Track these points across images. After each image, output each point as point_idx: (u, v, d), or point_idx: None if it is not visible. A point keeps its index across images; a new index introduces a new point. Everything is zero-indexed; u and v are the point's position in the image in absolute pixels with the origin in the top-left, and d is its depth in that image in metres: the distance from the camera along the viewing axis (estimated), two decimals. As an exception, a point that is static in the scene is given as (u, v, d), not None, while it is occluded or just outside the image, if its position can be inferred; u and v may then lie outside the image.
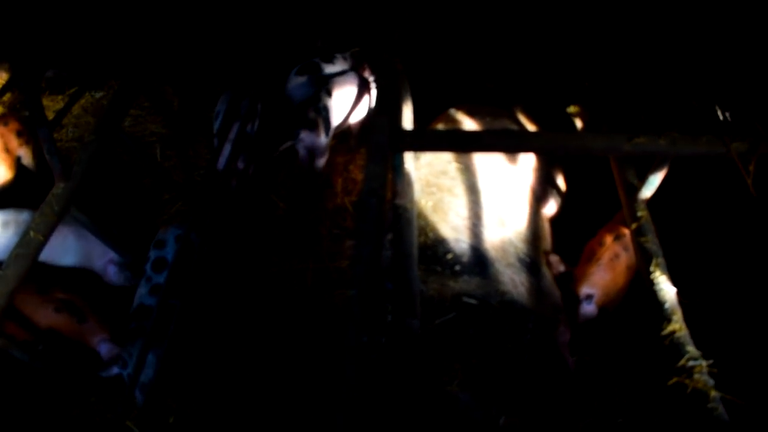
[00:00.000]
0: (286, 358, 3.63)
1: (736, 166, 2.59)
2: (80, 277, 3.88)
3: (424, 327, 2.89)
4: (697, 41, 3.26)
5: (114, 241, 3.84)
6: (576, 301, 3.34)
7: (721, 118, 2.87)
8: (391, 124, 2.74)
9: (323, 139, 4.36)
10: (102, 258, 3.84)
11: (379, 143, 2.63)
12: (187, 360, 3.64)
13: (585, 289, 3.37)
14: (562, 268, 3.58)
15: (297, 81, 4.66)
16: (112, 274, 3.85)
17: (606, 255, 3.44)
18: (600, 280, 3.38)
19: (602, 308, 3.44)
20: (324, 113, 4.36)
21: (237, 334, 3.76)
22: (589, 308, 3.35)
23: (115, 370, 3.38)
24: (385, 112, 2.75)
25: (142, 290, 3.56)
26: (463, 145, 2.88)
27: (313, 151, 4.43)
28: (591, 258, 3.45)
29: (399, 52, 3.97)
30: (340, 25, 5.24)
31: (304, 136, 4.32)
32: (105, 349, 3.48)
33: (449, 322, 2.98)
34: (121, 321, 3.54)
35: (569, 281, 3.46)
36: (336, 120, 4.48)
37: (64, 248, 3.77)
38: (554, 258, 3.67)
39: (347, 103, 4.56)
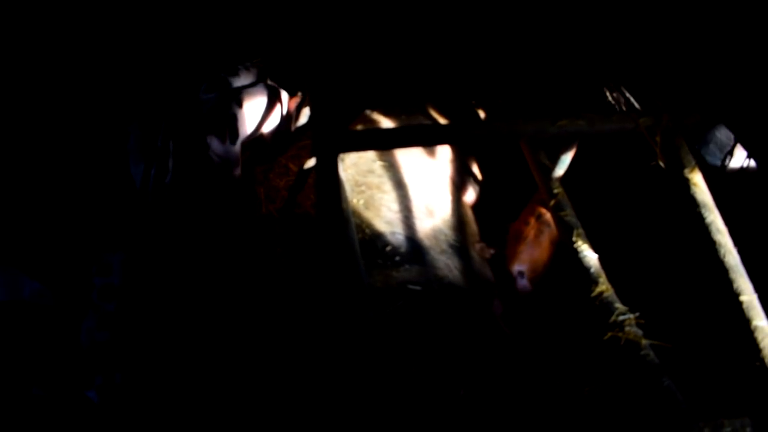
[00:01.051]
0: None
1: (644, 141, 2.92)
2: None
3: (378, 317, 3.02)
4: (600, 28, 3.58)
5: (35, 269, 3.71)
6: (510, 278, 3.61)
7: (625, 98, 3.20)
8: (333, 128, 2.86)
9: (230, 146, 4.39)
10: (28, 286, 3.69)
11: (325, 147, 2.74)
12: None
13: (516, 267, 3.64)
14: (490, 252, 3.83)
15: (206, 98, 4.66)
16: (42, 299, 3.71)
17: (531, 233, 3.73)
18: (528, 257, 3.67)
19: (533, 280, 3.72)
20: (231, 121, 4.39)
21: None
22: (523, 283, 3.62)
23: None
24: (325, 117, 2.86)
25: (90, 323, 3.44)
26: (403, 141, 3.05)
27: (225, 160, 4.44)
28: (518, 238, 3.73)
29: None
30: (242, 33, 5.26)
31: (211, 142, 4.34)
32: None
33: (399, 309, 3.13)
34: (74, 360, 3.41)
35: (501, 261, 3.72)
36: (247, 129, 4.51)
37: None
38: (480, 245, 3.90)
39: (258, 113, 4.60)
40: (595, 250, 3.33)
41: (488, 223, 4.17)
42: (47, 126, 4.68)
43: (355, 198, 3.67)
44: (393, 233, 3.52)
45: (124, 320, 3.38)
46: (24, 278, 3.69)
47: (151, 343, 3.65)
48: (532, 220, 3.85)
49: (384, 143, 3.16)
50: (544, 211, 3.85)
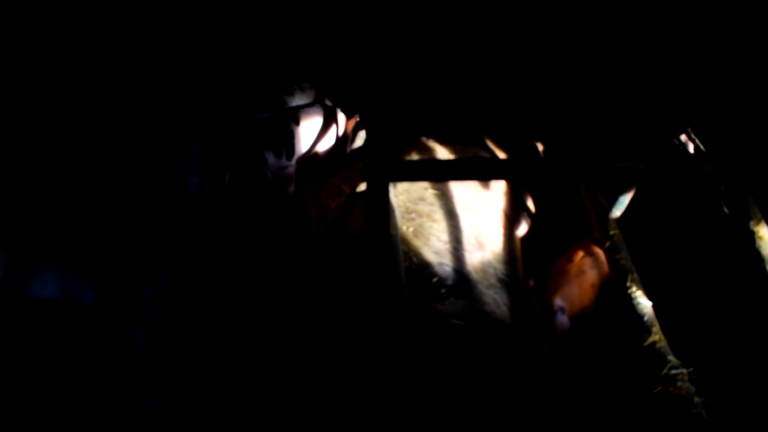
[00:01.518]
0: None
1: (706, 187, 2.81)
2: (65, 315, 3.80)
3: (417, 349, 2.96)
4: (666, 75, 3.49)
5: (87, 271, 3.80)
6: (551, 313, 3.51)
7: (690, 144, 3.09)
8: (385, 156, 2.85)
9: (286, 162, 4.41)
10: (78, 287, 3.78)
11: (376, 175, 2.72)
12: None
13: (557, 302, 3.54)
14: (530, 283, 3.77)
15: (261, 117, 4.71)
16: (89, 301, 3.80)
17: (575, 270, 3.64)
18: (569, 294, 3.57)
19: (572, 318, 3.61)
20: (288, 137, 4.42)
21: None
22: (562, 319, 3.52)
23: None
24: (378, 144, 2.85)
25: (141, 335, 3.49)
26: (454, 174, 3.01)
27: (279, 176, 4.47)
28: (561, 273, 3.64)
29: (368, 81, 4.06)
30: (302, 54, 5.32)
31: (267, 156, 4.37)
32: None
33: (441, 343, 3.07)
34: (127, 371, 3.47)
35: (543, 295, 3.63)
36: (302, 146, 4.53)
37: (43, 283, 3.69)
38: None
39: (314, 132, 4.62)
40: (650, 298, 3.22)
41: (536, 256, 4.08)
42: (105, 139, 4.84)
43: (404, 225, 3.64)
44: (441, 264, 3.46)
45: (167, 331, 3.41)
46: (76, 279, 3.79)
47: (193, 353, 3.68)
48: (578, 258, 3.77)
49: (435, 175, 3.12)
50: (595, 249, 3.75)
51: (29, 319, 3.54)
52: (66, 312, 3.80)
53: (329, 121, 4.72)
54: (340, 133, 4.83)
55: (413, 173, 3.05)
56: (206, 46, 5.12)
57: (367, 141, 3.06)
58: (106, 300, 3.80)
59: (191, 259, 3.94)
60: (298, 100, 4.85)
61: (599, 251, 3.74)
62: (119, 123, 5.01)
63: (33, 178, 3.92)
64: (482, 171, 2.95)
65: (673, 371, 2.89)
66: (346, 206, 4.44)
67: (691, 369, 2.90)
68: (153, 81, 5.13)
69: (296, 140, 4.40)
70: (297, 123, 4.47)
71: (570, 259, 3.78)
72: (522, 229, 4.09)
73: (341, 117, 4.84)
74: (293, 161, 4.42)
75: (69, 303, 3.82)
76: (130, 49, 4.93)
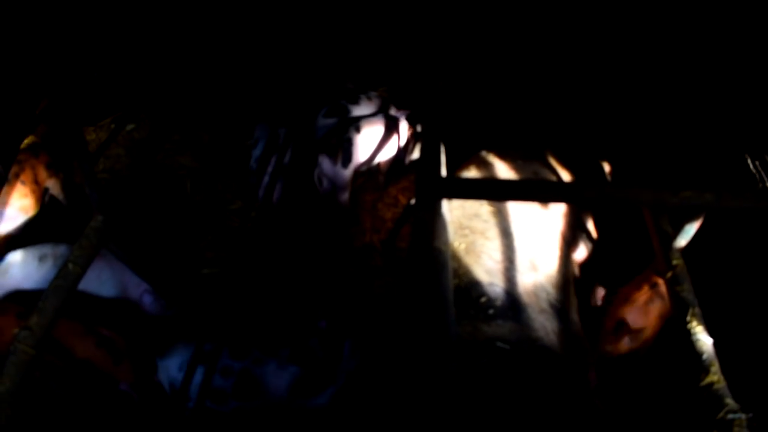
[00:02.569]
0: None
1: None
2: (123, 313, 3.91)
3: (458, 370, 2.88)
4: (736, 92, 3.30)
5: (147, 272, 3.88)
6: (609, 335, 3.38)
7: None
8: (438, 173, 2.79)
9: (341, 169, 4.41)
10: (137, 288, 3.87)
11: (428, 192, 2.67)
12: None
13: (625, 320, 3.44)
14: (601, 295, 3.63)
15: (324, 123, 4.75)
16: (148, 303, 3.88)
17: (642, 299, 3.47)
18: (634, 320, 3.41)
19: (633, 352, 3.45)
20: (346, 144, 4.42)
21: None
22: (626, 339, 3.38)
23: None
24: (431, 160, 2.79)
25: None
26: (509, 195, 2.91)
27: (334, 183, 4.48)
28: (626, 301, 3.49)
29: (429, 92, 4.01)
30: (371, 62, 5.32)
31: (322, 161, 4.39)
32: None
33: (483, 367, 2.97)
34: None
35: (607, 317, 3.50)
36: (360, 155, 4.53)
37: (101, 280, 3.80)
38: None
39: (374, 141, 4.62)
40: (712, 335, 3.03)
41: (596, 283, 3.92)
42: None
43: (456, 241, 3.56)
44: (491, 284, 3.36)
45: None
46: (136, 279, 3.89)
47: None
48: (646, 288, 3.59)
49: (489, 194, 3.03)
50: (660, 281, 3.57)
51: (87, 318, 3.63)
52: (124, 313, 3.91)
53: (391, 131, 4.71)
54: (402, 143, 4.82)
55: (465, 191, 2.97)
56: (283, 46, 5.19)
57: (422, 153, 3.01)
58: (164, 304, 3.89)
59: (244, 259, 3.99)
60: (363, 109, 4.87)
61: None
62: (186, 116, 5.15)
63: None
64: (537, 193, 2.84)
65: (731, 416, 2.70)
66: (401, 218, 4.41)
67: (751, 415, 2.70)
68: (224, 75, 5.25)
69: (354, 148, 4.41)
70: (357, 131, 4.48)
71: (638, 287, 3.62)
72: (581, 254, 3.94)
73: (404, 127, 4.82)
74: (349, 169, 4.42)
75: (127, 304, 3.93)
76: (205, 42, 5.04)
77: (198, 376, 3.41)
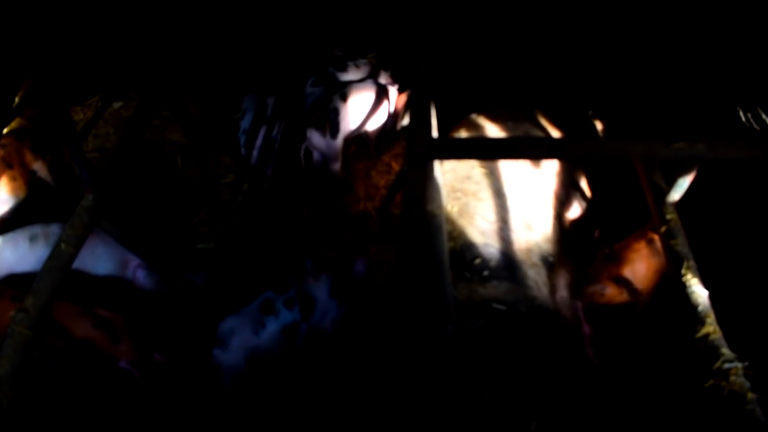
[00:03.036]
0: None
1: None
2: (119, 292, 3.91)
3: (456, 333, 2.89)
4: (728, 44, 3.25)
5: (141, 249, 3.87)
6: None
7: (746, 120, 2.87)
8: (429, 134, 2.76)
9: (330, 140, 4.37)
10: (130, 264, 3.87)
11: (419, 153, 2.64)
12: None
13: (626, 274, 3.42)
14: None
15: (312, 92, 4.70)
16: (142, 278, 3.88)
17: (638, 255, 3.46)
18: (636, 272, 3.41)
19: (630, 307, 3.46)
20: (333, 115, 4.38)
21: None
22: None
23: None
24: (422, 122, 2.76)
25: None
26: (500, 153, 2.89)
27: (325, 155, 4.45)
28: (623, 256, 3.48)
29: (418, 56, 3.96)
30: (360, 29, 5.25)
31: (311, 134, 4.35)
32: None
33: (480, 328, 2.98)
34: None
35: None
36: (349, 124, 4.49)
37: (95, 257, 3.80)
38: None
39: (363, 109, 4.57)
40: (707, 287, 3.04)
41: (592, 241, 3.92)
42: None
43: (449, 204, 3.55)
44: (485, 245, 3.36)
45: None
46: (130, 256, 3.87)
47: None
48: (642, 243, 3.58)
49: (481, 153, 3.01)
50: (656, 237, 3.57)
51: (84, 298, 3.63)
52: (120, 292, 3.91)
53: (380, 97, 4.66)
54: (392, 110, 4.78)
55: (458, 151, 2.95)
56: (270, 15, 5.10)
57: (412, 115, 2.97)
58: (158, 279, 3.89)
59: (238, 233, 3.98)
60: (351, 77, 4.81)
61: None
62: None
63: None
64: (528, 151, 2.82)
65: (727, 365, 2.72)
66: (395, 184, 4.39)
67: (747, 363, 2.72)
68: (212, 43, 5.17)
69: (341, 117, 4.37)
70: (344, 99, 4.43)
71: (636, 243, 3.61)
72: (574, 212, 3.93)
73: (393, 93, 4.77)
74: (339, 139, 4.38)
75: (122, 281, 3.93)
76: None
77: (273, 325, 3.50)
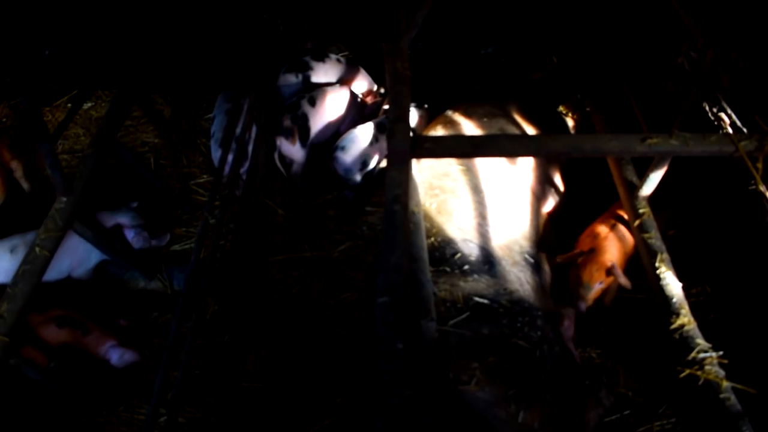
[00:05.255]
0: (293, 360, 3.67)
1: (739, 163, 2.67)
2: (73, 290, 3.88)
3: (439, 327, 2.91)
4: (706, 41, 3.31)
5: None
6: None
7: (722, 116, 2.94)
8: (408, 132, 2.77)
9: (298, 148, 4.35)
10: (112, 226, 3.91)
11: (400, 150, 2.66)
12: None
13: (608, 258, 3.43)
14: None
15: (286, 79, 4.68)
16: (132, 238, 3.91)
17: (612, 236, 3.50)
18: (615, 255, 3.44)
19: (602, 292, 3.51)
20: (302, 121, 4.35)
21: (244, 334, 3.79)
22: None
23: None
24: (402, 119, 2.77)
25: None
26: (480, 151, 2.92)
27: (295, 161, 4.42)
28: (601, 242, 3.51)
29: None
30: (333, 24, 5.22)
31: (280, 143, 4.32)
32: (115, 355, 3.49)
33: (463, 322, 3.01)
34: None
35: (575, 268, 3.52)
36: (319, 129, 4.46)
37: (87, 252, 3.77)
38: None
39: (334, 111, 4.54)
40: (680, 279, 3.11)
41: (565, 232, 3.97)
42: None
43: (428, 201, 3.57)
44: (464, 240, 3.39)
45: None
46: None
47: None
48: (607, 229, 3.62)
49: (461, 151, 3.03)
50: (616, 223, 3.62)
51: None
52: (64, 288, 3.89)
53: (353, 100, 4.64)
54: (364, 109, 4.77)
55: (438, 149, 2.97)
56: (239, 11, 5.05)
57: (390, 114, 2.98)
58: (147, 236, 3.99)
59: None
60: (321, 75, 4.77)
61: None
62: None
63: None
64: (505, 148, 2.85)
65: (702, 355, 2.80)
66: (368, 181, 4.40)
67: (721, 353, 2.80)
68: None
69: (311, 123, 4.34)
70: (312, 104, 4.40)
71: (598, 231, 3.66)
72: (549, 205, 3.99)
73: (362, 89, 4.77)
74: (307, 146, 4.36)
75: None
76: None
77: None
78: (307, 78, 4.70)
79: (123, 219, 3.94)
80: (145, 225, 3.99)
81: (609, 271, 3.37)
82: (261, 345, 3.72)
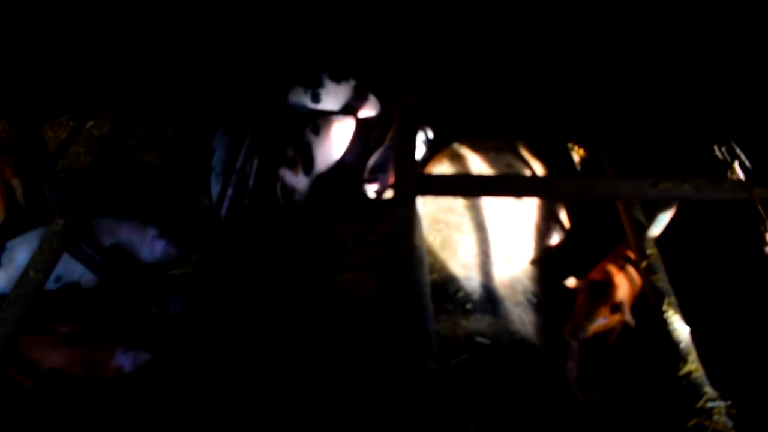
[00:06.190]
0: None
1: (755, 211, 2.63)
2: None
3: (439, 367, 2.84)
4: (712, 87, 3.29)
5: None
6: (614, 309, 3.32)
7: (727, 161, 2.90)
8: (415, 169, 2.73)
9: (301, 178, 4.30)
10: (144, 238, 3.91)
11: (407, 188, 2.61)
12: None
13: (619, 295, 3.33)
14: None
15: (295, 92, 4.66)
16: (160, 248, 3.93)
17: (623, 274, 3.43)
18: (625, 291, 3.36)
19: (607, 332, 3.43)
20: (305, 151, 4.30)
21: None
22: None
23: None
24: (408, 156, 2.73)
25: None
26: (488, 190, 2.87)
27: (298, 191, 4.36)
28: (613, 279, 3.44)
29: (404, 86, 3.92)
30: (342, 55, 5.20)
31: (284, 174, 4.26)
32: (127, 360, 3.41)
33: (464, 362, 2.94)
34: None
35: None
36: (323, 158, 4.42)
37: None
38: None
39: (338, 141, 4.50)
40: (688, 323, 3.04)
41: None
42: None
43: (431, 236, 3.51)
44: (468, 278, 3.33)
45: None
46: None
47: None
48: (619, 267, 3.56)
49: (468, 190, 2.98)
50: (625, 263, 3.56)
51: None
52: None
53: (358, 130, 4.60)
54: (372, 143, 4.72)
55: (445, 187, 2.92)
56: (250, 36, 5.03)
57: (397, 150, 2.94)
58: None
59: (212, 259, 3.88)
60: (327, 103, 4.74)
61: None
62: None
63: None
64: (520, 188, 2.81)
65: (710, 404, 2.72)
66: (372, 214, 4.34)
67: (729, 402, 2.72)
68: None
69: (315, 153, 4.29)
70: (316, 133, 4.35)
71: (607, 270, 3.60)
72: (553, 243, 3.93)
73: (367, 116, 4.74)
74: (311, 176, 4.30)
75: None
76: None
77: None
78: (316, 95, 4.66)
79: (152, 230, 3.94)
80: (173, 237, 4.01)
81: (616, 308, 3.31)
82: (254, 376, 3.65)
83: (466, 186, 2.91)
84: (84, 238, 3.58)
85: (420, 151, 4.42)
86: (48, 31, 4.71)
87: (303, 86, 4.70)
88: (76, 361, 3.33)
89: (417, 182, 2.66)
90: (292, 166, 4.21)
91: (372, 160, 4.30)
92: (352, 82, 4.86)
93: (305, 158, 4.25)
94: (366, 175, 4.23)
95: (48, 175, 3.18)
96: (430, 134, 4.58)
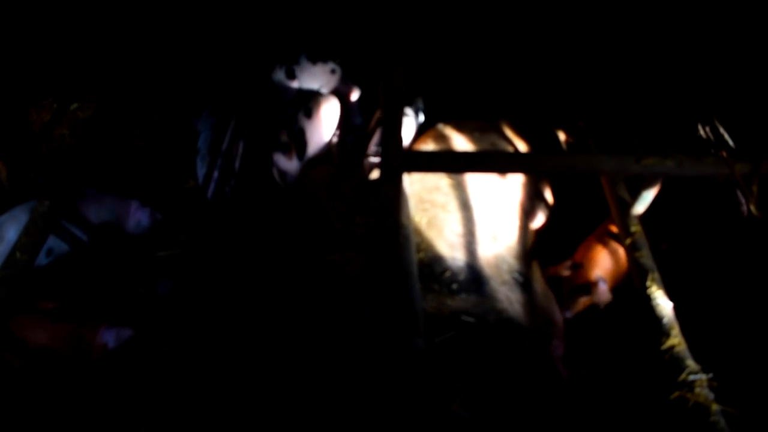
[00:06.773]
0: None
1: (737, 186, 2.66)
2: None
3: (425, 345, 2.87)
4: (697, 62, 3.31)
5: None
6: (584, 290, 3.39)
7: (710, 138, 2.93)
8: (401, 146, 2.74)
9: (296, 164, 4.31)
10: (128, 209, 3.94)
11: (393, 166, 2.62)
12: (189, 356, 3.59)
13: (596, 273, 3.47)
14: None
15: (276, 70, 4.67)
16: (145, 217, 3.96)
17: (606, 251, 3.52)
18: (606, 267, 3.45)
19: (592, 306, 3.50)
20: (299, 135, 4.31)
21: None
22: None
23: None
24: (395, 133, 2.74)
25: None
26: (472, 166, 2.88)
27: (293, 175, 4.38)
28: (594, 248, 3.53)
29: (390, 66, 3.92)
30: (327, 36, 5.18)
31: (278, 159, 4.28)
32: (111, 337, 3.39)
33: (449, 340, 2.97)
34: None
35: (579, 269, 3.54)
36: (316, 141, 4.43)
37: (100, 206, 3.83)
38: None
39: (329, 123, 4.51)
40: (671, 299, 3.08)
41: (555, 245, 3.95)
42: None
43: (418, 215, 3.53)
44: (453, 258, 3.35)
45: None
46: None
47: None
48: (603, 244, 3.64)
49: (454, 166, 2.99)
50: (611, 240, 3.64)
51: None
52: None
53: (345, 110, 4.61)
54: (357, 122, 4.73)
55: (431, 164, 2.93)
56: (232, 17, 5.00)
57: (383, 128, 2.95)
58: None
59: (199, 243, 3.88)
60: (314, 82, 4.73)
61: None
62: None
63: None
64: (504, 164, 2.82)
65: (692, 377, 2.77)
66: (360, 195, 4.35)
67: (711, 375, 2.77)
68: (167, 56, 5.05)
69: (308, 137, 4.30)
70: (309, 116, 4.35)
71: (603, 236, 3.68)
72: (539, 221, 3.96)
73: (356, 99, 4.74)
74: (304, 159, 4.31)
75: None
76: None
77: None
78: (291, 71, 4.67)
79: (134, 201, 3.98)
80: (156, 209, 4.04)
81: (595, 285, 3.39)
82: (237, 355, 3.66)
83: (452, 162, 2.92)
84: (70, 217, 3.57)
85: (411, 129, 4.45)
86: (31, 15, 4.67)
87: (280, 63, 4.71)
88: (61, 337, 3.30)
89: (403, 159, 2.67)
90: (286, 152, 4.22)
91: (376, 139, 4.36)
92: (331, 65, 4.86)
93: (299, 143, 4.26)
94: (371, 151, 4.26)
95: (32, 157, 3.17)
96: (422, 118, 4.59)
